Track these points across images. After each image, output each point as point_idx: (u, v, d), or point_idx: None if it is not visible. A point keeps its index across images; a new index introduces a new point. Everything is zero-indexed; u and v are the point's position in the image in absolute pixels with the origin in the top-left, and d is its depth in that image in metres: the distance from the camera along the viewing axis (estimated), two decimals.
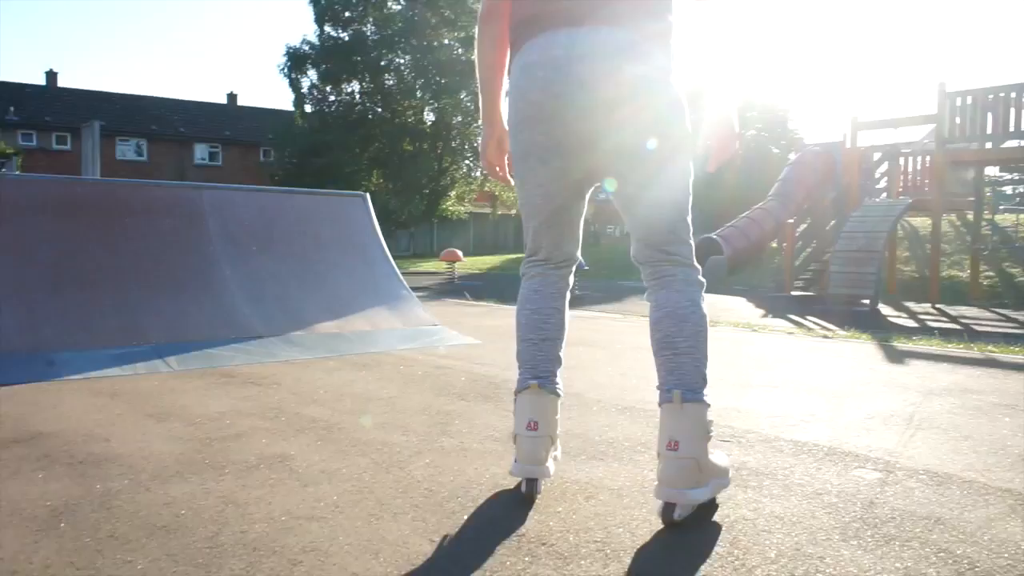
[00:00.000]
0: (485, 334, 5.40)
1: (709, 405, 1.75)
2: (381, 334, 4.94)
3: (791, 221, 13.39)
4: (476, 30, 2.00)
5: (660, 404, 1.76)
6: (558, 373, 2.01)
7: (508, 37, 1.88)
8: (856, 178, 12.05)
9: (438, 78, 32.10)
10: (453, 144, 33.86)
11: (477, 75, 2.04)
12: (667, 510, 1.70)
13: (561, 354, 2.02)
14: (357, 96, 33.73)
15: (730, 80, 1.84)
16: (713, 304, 11.15)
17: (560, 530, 1.69)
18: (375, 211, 5.99)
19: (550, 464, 1.92)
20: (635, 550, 1.58)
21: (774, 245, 16.29)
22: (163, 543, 1.60)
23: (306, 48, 32.68)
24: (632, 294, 11.76)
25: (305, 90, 33.30)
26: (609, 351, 4.72)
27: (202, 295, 4.75)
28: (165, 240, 4.91)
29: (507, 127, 1.96)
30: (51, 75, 35.72)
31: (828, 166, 15.72)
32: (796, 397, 3.25)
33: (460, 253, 14.23)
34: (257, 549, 1.57)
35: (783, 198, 16.18)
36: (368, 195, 6.06)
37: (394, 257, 5.88)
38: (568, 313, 2.07)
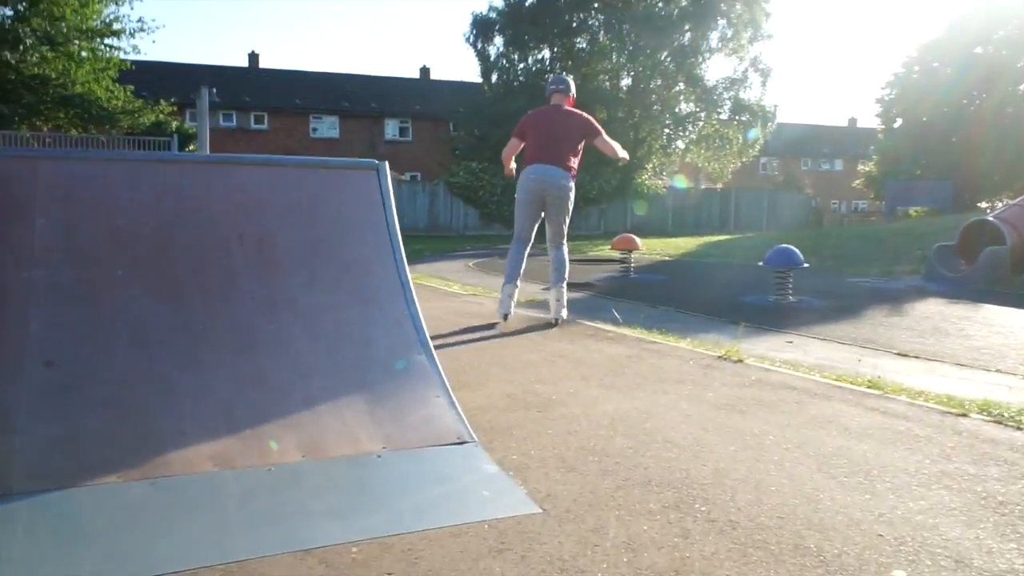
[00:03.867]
0: (573, 454, 2.50)
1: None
2: (323, 479, 2.18)
3: None
4: (505, 148, 5.55)
5: (551, 287, 5.51)
6: (519, 278, 5.46)
7: (522, 155, 5.45)
8: None
9: (634, 37, 28.70)
10: (652, 111, 30.33)
11: (503, 158, 5.60)
12: (557, 320, 5.44)
13: (522, 270, 5.43)
14: (547, 62, 31.14)
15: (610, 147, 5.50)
16: (1005, 327, 7.37)
17: None
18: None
19: (513, 309, 5.49)
20: None
21: None
22: None
23: (492, 14, 30.55)
24: (877, 302, 8.14)
25: (493, 59, 31.21)
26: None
27: None
28: None
29: (518, 187, 5.49)
30: (253, 56, 36.56)
31: None
32: None
33: (637, 240, 11.13)
34: None
35: None
36: (385, 165, 3.30)
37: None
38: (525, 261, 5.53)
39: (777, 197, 33.19)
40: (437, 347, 4.68)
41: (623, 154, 5.55)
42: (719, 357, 4.41)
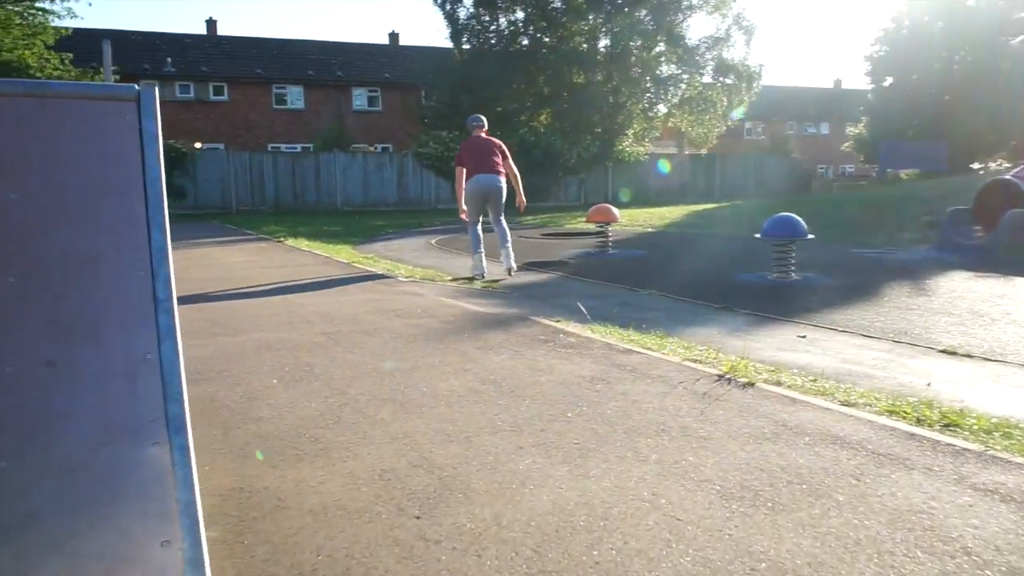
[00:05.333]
0: None
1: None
2: None
3: None
4: (455, 184, 7.45)
5: (500, 247, 7.35)
6: (482, 245, 7.32)
7: (466, 170, 7.27)
8: None
9: None
10: (632, 73, 28.69)
11: (456, 197, 7.45)
12: (510, 270, 7.31)
13: (482, 239, 7.32)
14: (521, 24, 29.39)
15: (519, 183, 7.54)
16: None
17: None
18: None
19: (485, 266, 7.20)
20: None
21: None
22: None
23: None
24: (893, 278, 6.84)
25: (463, 21, 29.40)
26: None
27: None
28: None
29: (465, 191, 7.28)
30: (211, 23, 34.38)
31: None
32: None
33: (614, 211, 9.76)
34: None
35: None
36: (152, 91, 1.91)
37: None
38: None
39: (763, 162, 31.81)
40: (319, 371, 3.15)
41: (520, 195, 7.64)
42: (719, 377, 3.08)
